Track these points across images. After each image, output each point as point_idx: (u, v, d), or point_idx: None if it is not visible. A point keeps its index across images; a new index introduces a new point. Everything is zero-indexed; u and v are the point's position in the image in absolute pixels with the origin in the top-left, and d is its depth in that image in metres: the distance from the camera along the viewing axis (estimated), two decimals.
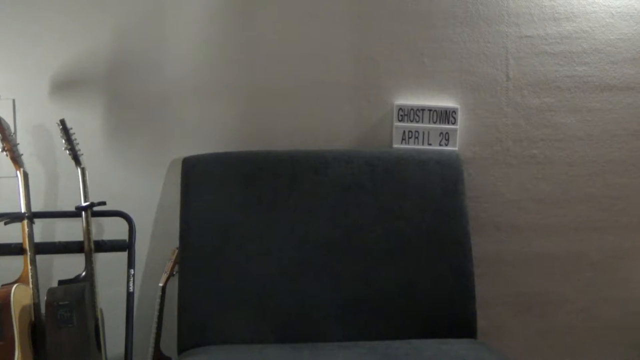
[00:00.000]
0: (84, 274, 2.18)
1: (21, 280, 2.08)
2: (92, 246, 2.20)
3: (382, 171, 2.27)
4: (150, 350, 2.21)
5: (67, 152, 2.19)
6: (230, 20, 2.35)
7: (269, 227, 2.21)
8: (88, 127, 2.30)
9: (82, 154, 2.20)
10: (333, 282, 2.21)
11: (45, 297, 2.05)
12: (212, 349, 2.06)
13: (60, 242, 2.26)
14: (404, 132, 2.41)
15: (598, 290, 2.57)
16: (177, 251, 2.21)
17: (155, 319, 2.21)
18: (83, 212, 2.19)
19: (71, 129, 2.19)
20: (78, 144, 2.20)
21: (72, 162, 2.19)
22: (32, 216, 2.13)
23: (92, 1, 2.30)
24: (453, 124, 2.42)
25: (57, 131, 2.19)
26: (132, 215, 2.26)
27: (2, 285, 2.04)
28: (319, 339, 2.15)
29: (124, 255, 2.25)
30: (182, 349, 2.14)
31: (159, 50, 2.33)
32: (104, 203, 2.23)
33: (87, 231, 2.20)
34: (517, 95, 2.48)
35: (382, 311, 2.20)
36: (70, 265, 2.29)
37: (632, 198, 2.55)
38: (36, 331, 2.06)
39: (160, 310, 2.21)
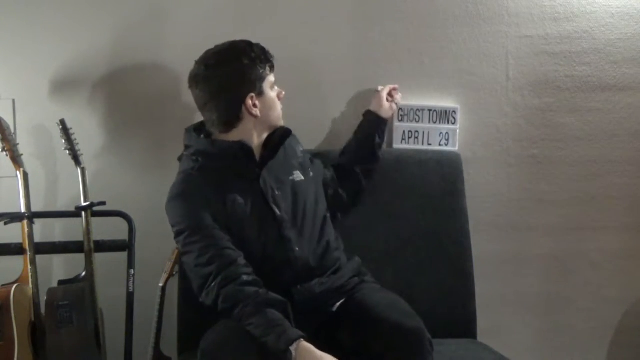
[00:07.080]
0: (84, 274, 2.18)
1: (21, 280, 2.08)
2: (92, 246, 2.20)
3: (382, 171, 2.27)
4: (150, 350, 2.21)
5: (67, 152, 2.18)
6: (230, 20, 2.35)
7: None
8: (88, 127, 2.30)
9: (82, 154, 2.20)
10: None
11: (45, 297, 2.05)
12: None
13: (60, 242, 2.25)
14: (404, 132, 2.40)
15: (598, 290, 2.57)
16: (177, 251, 2.21)
17: (155, 319, 2.20)
18: (83, 212, 2.19)
19: (71, 129, 2.19)
20: (78, 144, 2.20)
21: (72, 162, 2.19)
22: (32, 216, 2.13)
23: (92, 1, 2.30)
24: (453, 124, 2.42)
25: (57, 131, 2.19)
26: (132, 215, 2.26)
27: (2, 285, 2.04)
28: None
29: (124, 255, 2.24)
30: (182, 349, 2.14)
31: (159, 50, 2.33)
32: (104, 203, 2.22)
33: (87, 231, 2.19)
34: (517, 95, 2.47)
35: None
36: (70, 265, 2.29)
37: (632, 198, 2.55)
38: (36, 331, 2.06)
39: (160, 310, 2.21)
